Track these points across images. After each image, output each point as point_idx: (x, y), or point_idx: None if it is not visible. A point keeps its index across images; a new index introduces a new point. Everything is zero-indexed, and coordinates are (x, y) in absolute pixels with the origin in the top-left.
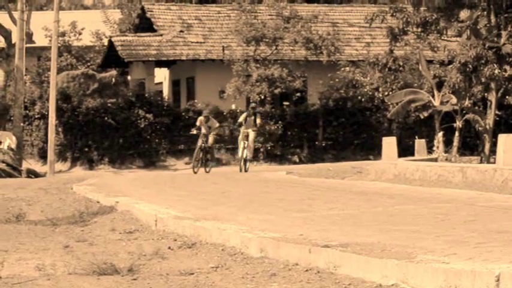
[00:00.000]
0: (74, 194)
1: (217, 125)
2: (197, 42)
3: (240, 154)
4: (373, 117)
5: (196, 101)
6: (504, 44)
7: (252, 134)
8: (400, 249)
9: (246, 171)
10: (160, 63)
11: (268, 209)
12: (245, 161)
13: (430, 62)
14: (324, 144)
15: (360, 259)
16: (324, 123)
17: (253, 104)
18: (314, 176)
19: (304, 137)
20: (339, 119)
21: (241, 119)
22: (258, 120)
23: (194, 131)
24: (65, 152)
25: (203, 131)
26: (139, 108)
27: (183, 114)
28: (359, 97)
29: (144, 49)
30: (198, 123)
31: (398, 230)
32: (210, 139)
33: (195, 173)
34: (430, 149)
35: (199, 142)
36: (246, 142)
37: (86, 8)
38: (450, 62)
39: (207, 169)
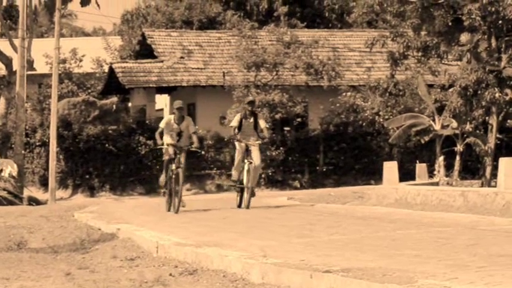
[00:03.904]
0: (75, 221)
1: (194, 128)
2: (198, 68)
3: (234, 177)
4: (374, 142)
5: (197, 127)
6: (505, 67)
7: (255, 150)
8: (401, 274)
9: (247, 207)
10: (161, 90)
11: (270, 234)
12: (242, 190)
13: (430, 86)
14: (324, 169)
15: (362, 284)
16: (325, 148)
17: (251, 98)
18: (315, 201)
19: (305, 162)
20: (339, 144)
21: (234, 122)
22: (262, 124)
23: (160, 142)
24: (66, 179)
25: (169, 140)
26: (140, 135)
27: None
28: (360, 122)
29: (144, 75)
30: (162, 125)
31: (399, 255)
32: (182, 158)
33: (169, 210)
34: (431, 173)
35: (168, 153)
36: (250, 161)
37: (86, 34)
38: (451, 86)
39: (174, 208)
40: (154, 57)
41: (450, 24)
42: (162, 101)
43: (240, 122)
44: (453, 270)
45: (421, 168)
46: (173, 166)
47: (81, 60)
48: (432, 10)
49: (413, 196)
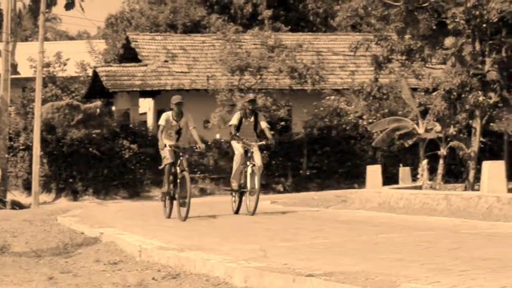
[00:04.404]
0: (58, 225)
1: (193, 124)
2: (182, 72)
3: (235, 187)
4: (357, 146)
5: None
6: (488, 71)
7: (257, 151)
8: (384, 278)
9: (252, 213)
10: (144, 94)
11: (253, 238)
12: (241, 194)
13: (414, 89)
14: (308, 173)
15: None
16: (309, 152)
17: (251, 96)
18: (299, 205)
19: (289, 165)
20: (323, 147)
21: (233, 120)
22: (263, 124)
23: (162, 145)
24: (50, 183)
25: (168, 141)
26: (123, 139)
27: None
28: (343, 125)
29: (128, 79)
30: (163, 123)
31: (382, 259)
32: (185, 160)
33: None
34: (414, 176)
35: (168, 157)
36: (252, 164)
37: (70, 38)
38: (434, 90)
39: (182, 214)
40: (139, 60)
41: (434, 27)
42: (146, 104)
43: (240, 121)
44: (435, 273)
45: (404, 171)
46: (177, 169)
47: (65, 64)
48: (416, 14)
49: (397, 200)
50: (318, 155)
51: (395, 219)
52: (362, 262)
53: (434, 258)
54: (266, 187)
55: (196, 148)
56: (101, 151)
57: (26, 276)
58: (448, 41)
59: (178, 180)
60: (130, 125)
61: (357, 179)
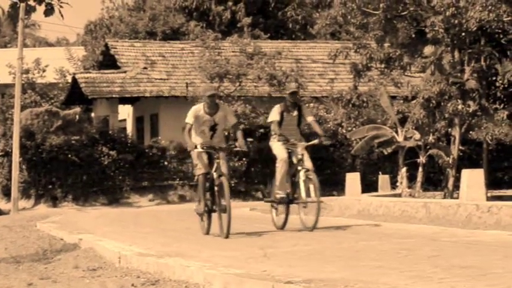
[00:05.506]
0: (37, 231)
1: (235, 119)
2: (161, 79)
3: (281, 194)
4: (336, 153)
5: (160, 137)
6: (467, 79)
7: (306, 154)
8: (363, 285)
9: (312, 229)
10: (124, 100)
11: (234, 245)
12: (288, 205)
13: (393, 97)
14: None
15: None
16: None
17: (293, 85)
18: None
19: (268, 173)
20: None
21: (274, 115)
22: (310, 118)
23: (191, 144)
24: (29, 190)
25: (199, 139)
26: (103, 145)
27: (147, 151)
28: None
29: (107, 86)
30: (190, 120)
31: (362, 266)
32: (222, 160)
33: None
34: (393, 184)
35: (202, 166)
36: (305, 169)
37: (50, 45)
38: (414, 98)
39: (222, 231)
40: (118, 67)
41: (413, 36)
42: (125, 111)
43: (281, 116)
44: (415, 281)
45: (383, 179)
46: (213, 174)
47: (44, 71)
48: (395, 22)
49: (376, 207)
50: None
51: (375, 227)
52: (342, 269)
53: (414, 265)
54: (245, 194)
55: (235, 147)
56: (80, 157)
57: (5, 282)
58: (427, 49)
59: (215, 188)
60: (110, 132)
61: (336, 186)
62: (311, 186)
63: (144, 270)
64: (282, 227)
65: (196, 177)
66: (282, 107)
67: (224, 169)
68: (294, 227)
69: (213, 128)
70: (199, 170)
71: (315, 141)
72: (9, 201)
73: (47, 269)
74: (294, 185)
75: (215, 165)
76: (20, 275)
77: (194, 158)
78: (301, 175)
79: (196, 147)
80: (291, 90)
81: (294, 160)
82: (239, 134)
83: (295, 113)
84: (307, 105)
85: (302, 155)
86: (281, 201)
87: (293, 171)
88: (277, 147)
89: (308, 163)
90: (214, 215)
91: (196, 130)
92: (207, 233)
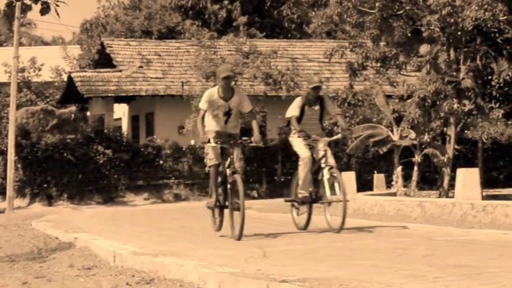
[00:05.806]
0: (33, 230)
1: (251, 106)
2: (156, 77)
3: (304, 193)
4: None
5: (155, 136)
6: (463, 78)
7: (329, 150)
8: (358, 284)
9: (338, 230)
10: (119, 99)
11: (228, 244)
12: (311, 205)
13: (389, 96)
14: (283, 179)
15: None
16: (283, 158)
17: (316, 78)
18: (273, 211)
19: (263, 172)
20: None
21: (293, 110)
22: (333, 111)
23: (208, 141)
24: (24, 188)
25: (213, 126)
26: (98, 144)
27: (142, 150)
28: None
29: (103, 85)
30: (204, 106)
31: (357, 265)
32: (236, 157)
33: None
34: (389, 183)
35: (214, 155)
36: (329, 165)
37: (45, 43)
38: (409, 97)
39: (237, 231)
40: (113, 66)
41: (409, 35)
42: (121, 110)
43: (302, 109)
44: (410, 280)
45: (378, 178)
46: (226, 170)
47: (40, 69)
48: (391, 21)
49: (371, 206)
50: (292, 161)
51: (370, 226)
52: (336, 268)
53: (409, 264)
54: None
55: (250, 142)
56: (76, 156)
57: (0, 281)
58: (423, 48)
59: (228, 186)
60: (105, 131)
61: None
62: (336, 185)
63: (138, 269)
64: (305, 228)
65: (207, 168)
66: (303, 99)
67: (238, 165)
68: (317, 228)
69: (227, 113)
70: (210, 161)
71: (338, 136)
72: (4, 200)
73: (42, 268)
74: (317, 183)
75: (228, 160)
76: (15, 273)
77: (206, 147)
78: (325, 173)
79: (209, 141)
80: (314, 85)
81: (316, 156)
82: (254, 125)
83: (317, 107)
84: (329, 97)
85: (325, 151)
86: (304, 200)
87: (315, 169)
88: (298, 144)
89: (331, 160)
90: (226, 211)
91: (210, 114)
92: (219, 229)
